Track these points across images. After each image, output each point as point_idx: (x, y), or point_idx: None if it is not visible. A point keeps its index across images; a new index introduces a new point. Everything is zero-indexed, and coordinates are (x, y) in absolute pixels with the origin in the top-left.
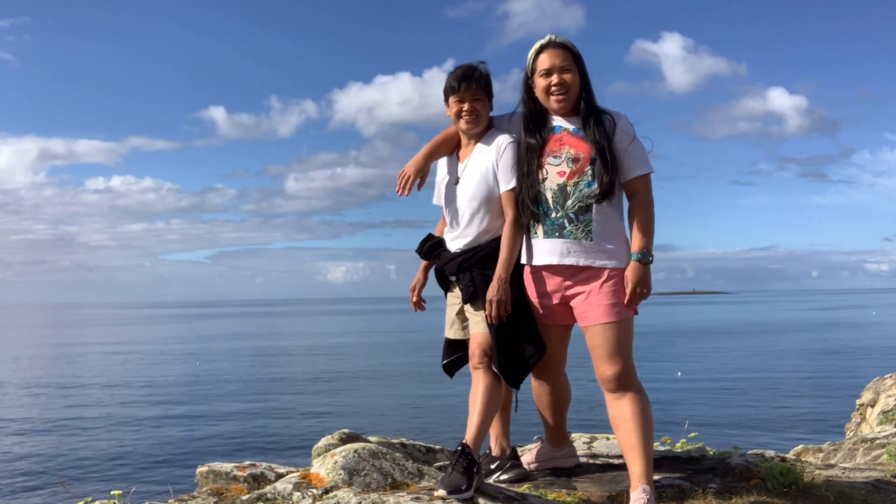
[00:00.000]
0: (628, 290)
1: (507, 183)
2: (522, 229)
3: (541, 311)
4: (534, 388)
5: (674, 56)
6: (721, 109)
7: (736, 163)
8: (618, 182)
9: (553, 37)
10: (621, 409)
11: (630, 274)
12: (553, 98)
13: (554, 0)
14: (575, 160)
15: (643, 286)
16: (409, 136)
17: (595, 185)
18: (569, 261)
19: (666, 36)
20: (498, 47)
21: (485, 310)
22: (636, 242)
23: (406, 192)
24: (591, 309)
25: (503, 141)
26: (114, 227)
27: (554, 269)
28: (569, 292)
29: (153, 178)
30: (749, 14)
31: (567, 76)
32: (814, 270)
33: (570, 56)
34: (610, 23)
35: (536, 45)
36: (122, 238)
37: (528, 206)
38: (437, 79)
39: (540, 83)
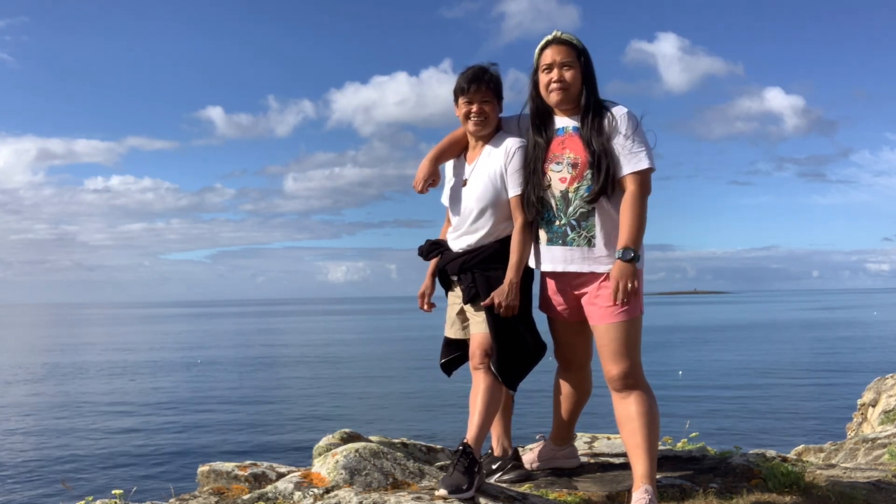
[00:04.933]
0: (611, 289)
1: (516, 188)
2: (532, 233)
3: (557, 309)
4: (555, 382)
5: (670, 56)
6: (718, 109)
7: (734, 163)
8: (618, 180)
9: (559, 33)
10: (627, 409)
11: (612, 272)
12: (552, 94)
13: (550, 0)
14: (574, 165)
15: (625, 282)
16: (407, 135)
17: (594, 188)
18: (572, 268)
19: (661, 36)
20: (494, 48)
21: (485, 310)
22: (619, 239)
23: (422, 190)
24: (595, 310)
25: (512, 145)
26: (113, 226)
27: (559, 275)
28: (576, 292)
29: (152, 177)
30: (745, 14)
31: (567, 73)
32: (815, 270)
33: (574, 53)
34: (605, 23)
35: (542, 41)
36: (122, 238)
37: (533, 204)
38: (433, 79)
39: (542, 79)
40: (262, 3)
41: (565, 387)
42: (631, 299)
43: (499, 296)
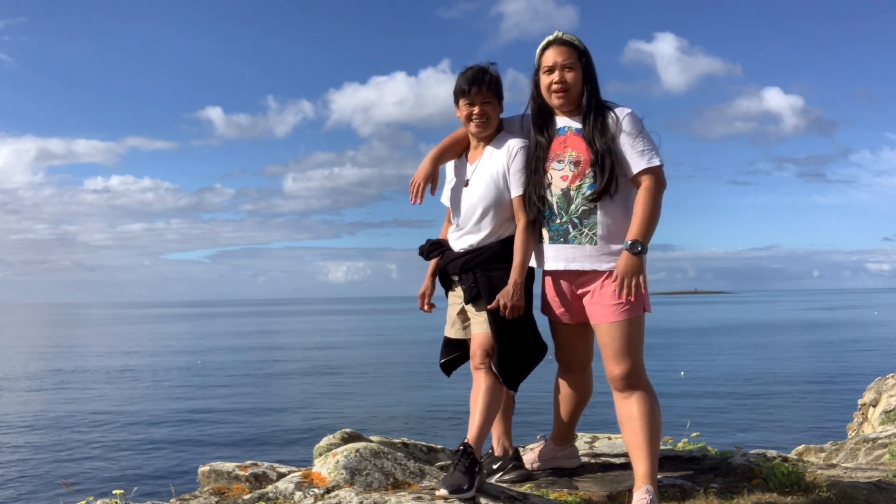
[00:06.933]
0: (617, 283)
1: (519, 188)
2: (535, 233)
3: (557, 312)
4: (556, 383)
5: (668, 56)
6: (717, 109)
7: (734, 163)
8: (622, 180)
9: (560, 33)
10: (628, 409)
11: (619, 266)
12: (553, 95)
13: (547, 1)
14: (576, 163)
15: (631, 276)
16: (406, 135)
17: (597, 187)
18: (574, 266)
19: (659, 36)
20: (492, 48)
21: (487, 310)
22: (629, 231)
23: (419, 200)
24: (598, 308)
25: (514, 145)
26: (113, 226)
27: (561, 274)
28: (579, 291)
29: (151, 177)
30: (742, 14)
31: (569, 74)
32: (815, 270)
33: (575, 54)
34: (603, 23)
35: (543, 42)
36: (122, 238)
37: (534, 203)
38: (432, 79)
39: (543, 80)
40: (261, 4)
41: (566, 388)
42: (636, 295)
43: (504, 297)
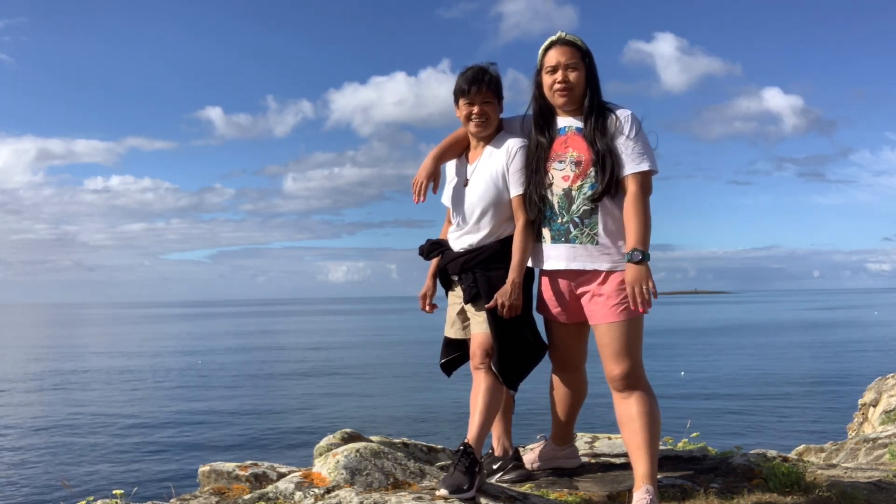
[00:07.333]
0: (627, 294)
1: (518, 187)
2: (534, 233)
3: (554, 311)
4: (551, 383)
5: (668, 56)
6: (717, 109)
7: (733, 163)
8: (620, 180)
9: (563, 34)
10: (628, 409)
11: (626, 276)
12: (556, 94)
13: (547, 1)
14: (578, 163)
15: (639, 284)
16: (406, 135)
17: (598, 187)
18: (575, 265)
19: (659, 36)
20: (492, 48)
21: (486, 310)
22: (627, 242)
23: (422, 198)
24: (597, 309)
25: (514, 145)
26: (113, 226)
27: (561, 273)
28: (578, 291)
29: (151, 177)
30: (742, 14)
31: (572, 74)
32: (815, 270)
33: (578, 54)
34: (603, 23)
35: (546, 42)
36: (122, 238)
37: (535, 203)
38: (432, 79)
39: (546, 80)
40: (260, 4)
41: (561, 387)
42: (643, 301)
43: (502, 296)
